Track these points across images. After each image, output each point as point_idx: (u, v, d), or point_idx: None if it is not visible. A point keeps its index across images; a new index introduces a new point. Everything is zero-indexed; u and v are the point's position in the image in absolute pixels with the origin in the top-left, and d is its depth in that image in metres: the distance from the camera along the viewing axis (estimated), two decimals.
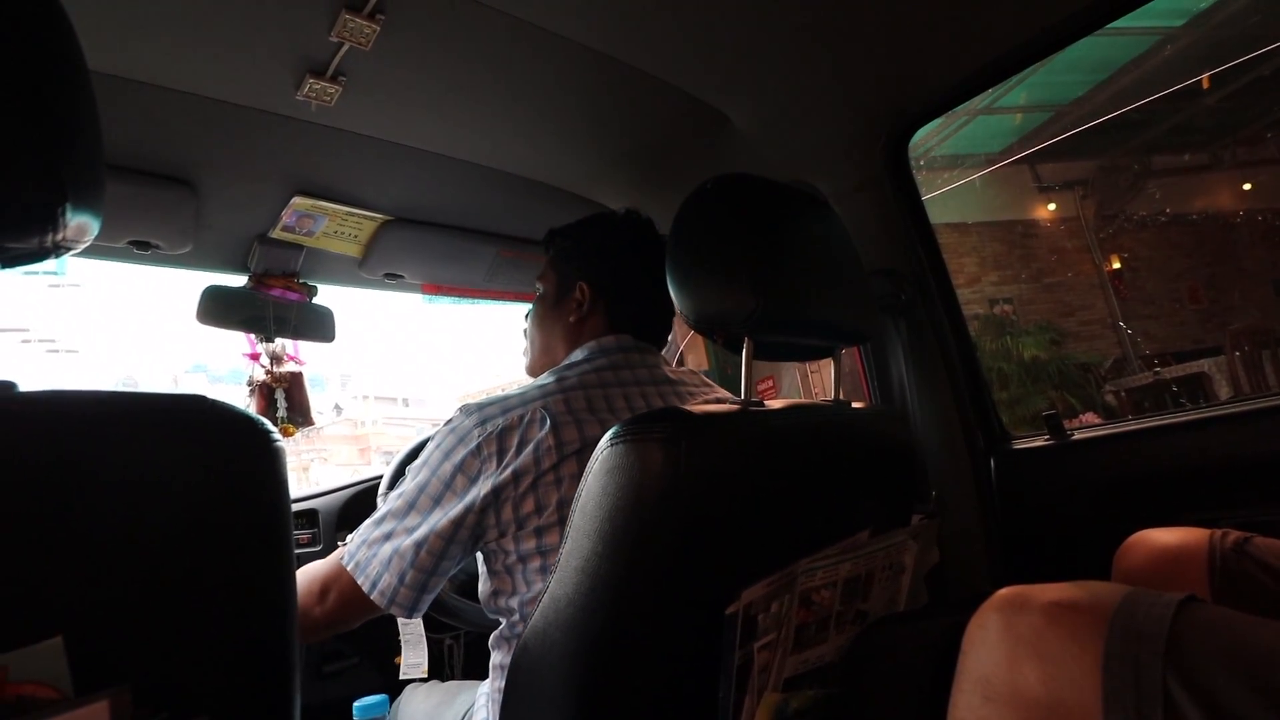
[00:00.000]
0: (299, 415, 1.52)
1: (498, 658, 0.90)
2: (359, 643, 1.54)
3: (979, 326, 6.50)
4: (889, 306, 1.23)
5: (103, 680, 0.40)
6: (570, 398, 0.89)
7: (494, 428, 0.85)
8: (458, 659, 1.52)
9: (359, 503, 1.66)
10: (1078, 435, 1.15)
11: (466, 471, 0.84)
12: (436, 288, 1.66)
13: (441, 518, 0.83)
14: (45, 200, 0.44)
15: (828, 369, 0.88)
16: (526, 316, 1.13)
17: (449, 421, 0.90)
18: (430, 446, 0.89)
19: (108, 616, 0.43)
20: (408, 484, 0.89)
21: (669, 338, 1.08)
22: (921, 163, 6.00)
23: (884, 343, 1.28)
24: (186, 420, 0.48)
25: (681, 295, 0.77)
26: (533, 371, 1.09)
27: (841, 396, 0.87)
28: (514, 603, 0.86)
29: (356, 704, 0.98)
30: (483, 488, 0.83)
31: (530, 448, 0.83)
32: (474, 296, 1.74)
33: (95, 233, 0.49)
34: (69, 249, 0.47)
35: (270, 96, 1.05)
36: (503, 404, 0.89)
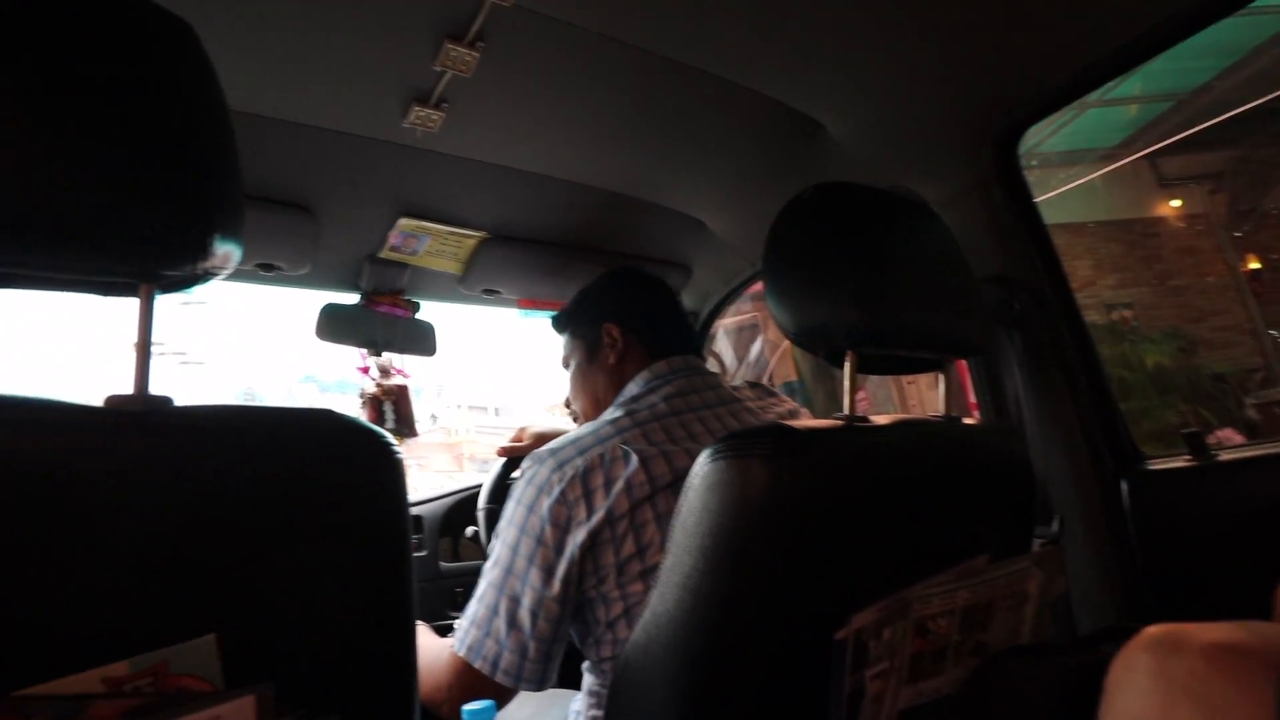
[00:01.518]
0: (405, 426, 1.59)
1: (591, 677, 0.90)
2: None
3: (1094, 334, 6.04)
4: (1001, 316, 1.15)
5: (249, 676, 0.43)
6: (648, 431, 0.87)
7: (574, 470, 0.82)
8: None
9: (460, 510, 1.73)
10: (1224, 455, 1.04)
11: (556, 521, 0.80)
12: (532, 302, 1.70)
13: (546, 577, 0.79)
14: (197, 231, 0.48)
15: (924, 380, 0.84)
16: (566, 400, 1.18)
17: (522, 473, 0.87)
18: (510, 505, 0.86)
19: (255, 616, 0.46)
20: (498, 549, 0.84)
21: (756, 348, 1.09)
22: (1034, 162, 5.66)
23: (996, 355, 1.21)
24: (318, 433, 0.52)
25: (780, 308, 0.74)
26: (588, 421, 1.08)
27: (952, 411, 0.83)
28: (602, 629, 0.82)
29: (465, 709, 1.00)
30: (577, 535, 0.79)
31: (620, 485, 0.81)
32: None
33: (238, 260, 0.53)
34: (215, 275, 0.51)
35: (380, 125, 1.11)
36: (576, 444, 0.86)
